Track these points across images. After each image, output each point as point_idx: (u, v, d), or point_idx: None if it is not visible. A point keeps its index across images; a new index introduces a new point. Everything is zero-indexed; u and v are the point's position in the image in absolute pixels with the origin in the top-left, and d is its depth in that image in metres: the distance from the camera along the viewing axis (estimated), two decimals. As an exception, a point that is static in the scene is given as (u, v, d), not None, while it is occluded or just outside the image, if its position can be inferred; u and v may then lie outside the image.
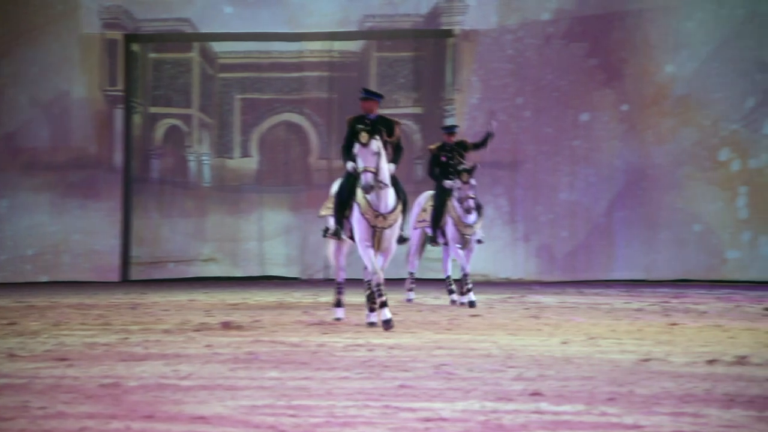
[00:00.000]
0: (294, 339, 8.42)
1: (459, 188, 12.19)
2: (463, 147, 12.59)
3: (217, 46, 19.34)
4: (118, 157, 19.01)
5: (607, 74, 18.22)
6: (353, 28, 18.96)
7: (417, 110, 18.72)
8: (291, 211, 19.08)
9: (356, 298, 13.32)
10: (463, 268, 12.41)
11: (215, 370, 6.58)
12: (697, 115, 17.95)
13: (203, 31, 19.15)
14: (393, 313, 9.69)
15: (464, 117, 17.89)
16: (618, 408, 5.27)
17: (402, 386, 5.92)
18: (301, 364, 6.89)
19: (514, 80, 18.43)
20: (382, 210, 9.18)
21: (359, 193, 9.20)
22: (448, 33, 18.76)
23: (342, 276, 10.28)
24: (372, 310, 9.50)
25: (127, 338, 8.53)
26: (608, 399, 5.51)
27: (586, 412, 5.18)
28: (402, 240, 9.57)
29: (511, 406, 5.30)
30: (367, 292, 9.83)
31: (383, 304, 9.19)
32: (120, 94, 19.05)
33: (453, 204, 12.34)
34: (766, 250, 17.61)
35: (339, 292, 10.24)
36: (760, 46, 17.73)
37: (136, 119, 19.33)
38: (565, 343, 8.14)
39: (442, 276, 13.46)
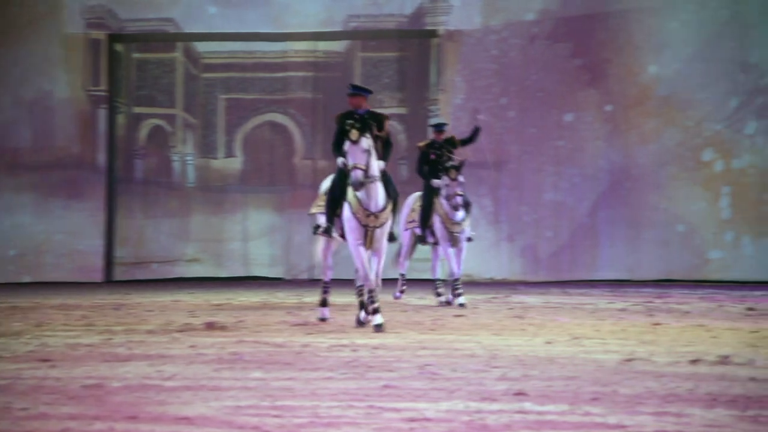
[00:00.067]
0: (278, 339, 8.41)
1: (447, 185, 12.18)
2: (452, 144, 12.58)
3: (201, 46, 19.30)
4: (102, 158, 18.95)
5: (591, 74, 18.26)
6: (337, 28, 18.95)
7: (401, 110, 18.73)
8: (275, 211, 19.06)
9: (341, 298, 13.31)
10: (452, 271, 12.40)
11: (199, 371, 6.57)
12: (681, 116, 18.01)
13: (187, 31, 19.11)
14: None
15: (449, 117, 17.88)
16: (602, 408, 5.28)
17: (386, 386, 5.92)
18: (285, 364, 6.89)
19: (499, 80, 18.46)
20: (373, 209, 9.12)
21: (350, 191, 9.14)
22: (433, 33, 18.78)
23: (329, 275, 10.23)
24: (375, 311, 9.39)
25: (110, 339, 8.51)
26: (592, 399, 5.52)
27: (569, 412, 5.19)
28: (392, 238, 9.53)
29: (495, 406, 5.31)
30: (359, 298, 9.80)
31: (375, 311, 9.18)
32: (103, 94, 18.99)
33: (441, 202, 12.33)
34: (748, 250, 17.69)
35: (325, 292, 10.19)
36: (743, 46, 17.80)
37: (120, 119, 19.27)
38: (549, 343, 8.15)
39: (428, 276, 13.45)
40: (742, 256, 17.66)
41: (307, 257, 18.84)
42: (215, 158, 19.25)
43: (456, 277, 12.35)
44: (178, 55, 19.33)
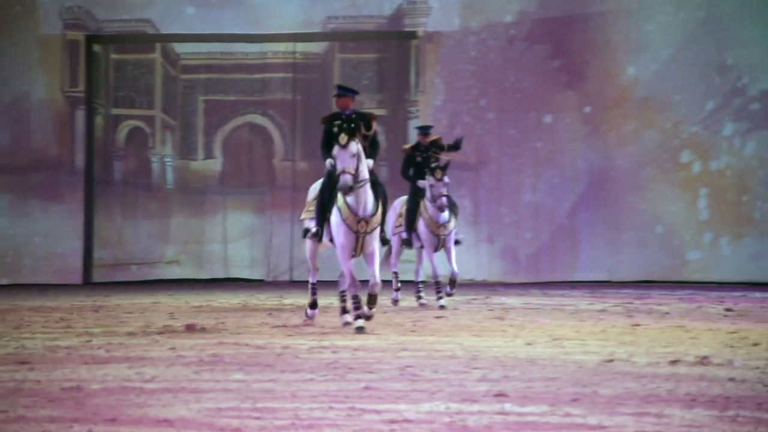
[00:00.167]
0: (259, 341, 8.40)
1: (432, 185, 12.17)
2: (438, 147, 12.57)
3: (180, 48, 19.24)
4: (80, 159, 18.86)
5: (570, 76, 18.31)
6: (316, 30, 18.93)
7: (381, 112, 18.73)
8: (255, 212, 19.02)
9: (321, 300, 13.29)
10: (434, 273, 12.42)
11: (179, 373, 6.55)
12: (659, 117, 18.09)
13: (165, 32, 19.04)
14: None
15: (428, 118, 17.90)
16: (582, 408, 5.29)
17: (367, 388, 5.92)
18: (265, 366, 6.87)
19: (478, 82, 18.49)
20: (362, 214, 9.05)
21: (340, 196, 9.07)
22: (412, 35, 18.79)
23: (316, 277, 10.10)
24: (358, 317, 9.35)
25: (89, 341, 8.47)
26: (572, 400, 5.53)
27: (550, 412, 5.21)
28: (384, 242, 9.47)
29: (475, 407, 5.31)
30: (341, 304, 9.84)
31: (358, 317, 9.17)
32: (81, 95, 18.91)
33: (426, 205, 12.32)
34: (726, 251, 17.78)
35: (314, 293, 10.04)
36: (719, 48, 17.89)
37: (98, 120, 19.19)
38: (529, 344, 8.17)
39: (410, 278, 13.43)
40: (721, 257, 17.75)
41: (286, 259, 18.82)
42: (194, 160, 19.20)
43: (438, 279, 12.38)
44: (156, 56, 19.27)
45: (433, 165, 12.23)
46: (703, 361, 7.00)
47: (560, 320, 10.46)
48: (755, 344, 8.12)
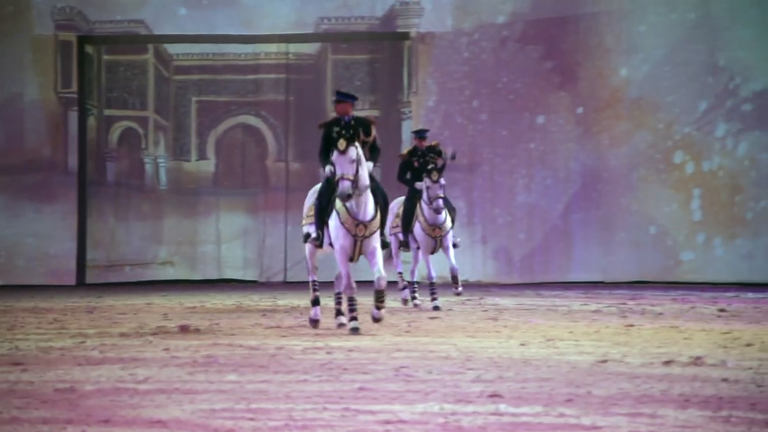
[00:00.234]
0: (252, 342, 8.39)
1: (428, 187, 12.18)
2: (435, 152, 12.52)
3: (172, 48, 19.22)
4: (73, 160, 18.83)
5: (562, 77, 18.33)
6: (309, 31, 18.92)
7: (374, 113, 18.71)
8: (248, 213, 19.01)
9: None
10: (428, 275, 12.43)
11: (173, 374, 6.54)
12: (651, 118, 18.11)
13: (158, 33, 19.01)
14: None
15: (421, 119, 17.91)
16: (576, 409, 5.30)
17: (361, 389, 5.92)
18: (259, 367, 6.87)
19: (470, 83, 18.49)
20: (361, 218, 8.99)
21: (338, 201, 9.00)
22: (404, 36, 18.79)
23: (316, 275, 9.94)
24: (353, 318, 9.31)
25: (83, 342, 8.46)
26: (566, 400, 5.54)
27: (544, 413, 5.21)
28: (384, 245, 9.37)
29: (470, 408, 5.32)
30: (336, 306, 9.80)
31: (353, 318, 9.16)
32: (74, 96, 18.88)
33: (422, 207, 12.33)
34: (719, 252, 17.81)
35: (315, 290, 9.84)
36: (712, 49, 17.93)
37: (91, 121, 19.17)
38: (523, 344, 8.18)
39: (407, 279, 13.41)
40: (714, 258, 17.78)
41: (279, 260, 18.81)
42: (188, 161, 19.18)
43: (432, 280, 12.41)
44: (149, 57, 19.25)
45: (429, 167, 12.24)
46: (697, 361, 7.01)
47: (554, 321, 10.47)
48: (748, 345, 8.14)
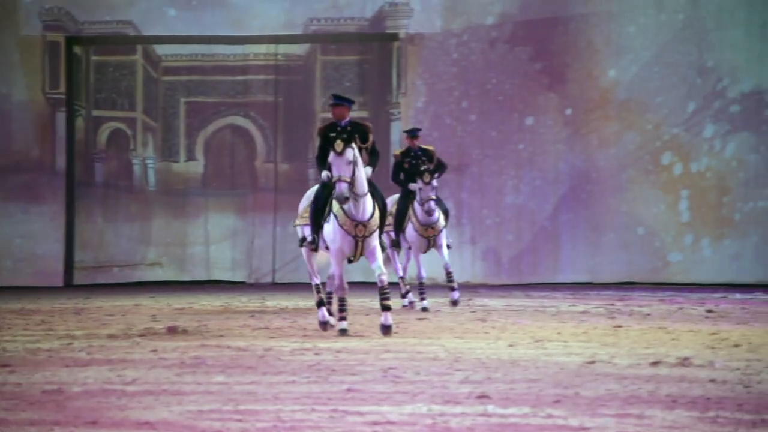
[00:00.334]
0: (241, 343, 8.39)
1: (420, 188, 12.18)
2: (428, 156, 12.47)
3: (161, 49, 19.19)
4: (61, 161, 18.78)
5: (551, 78, 18.35)
6: (298, 32, 18.90)
7: (363, 114, 18.71)
8: (237, 214, 18.98)
9: (303, 301, 13.29)
10: (418, 275, 12.44)
11: (161, 375, 6.53)
12: (640, 119, 18.14)
13: (146, 33, 18.97)
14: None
15: (410, 120, 17.91)
16: (564, 410, 5.31)
17: (349, 390, 5.92)
18: (247, 368, 6.87)
19: (459, 84, 18.50)
20: (360, 218, 8.96)
21: (335, 203, 8.95)
22: (393, 37, 18.79)
23: (318, 278, 9.89)
24: (342, 318, 9.31)
25: (70, 344, 8.44)
26: (554, 401, 5.55)
27: (532, 414, 5.22)
28: (383, 247, 9.35)
29: (458, 409, 5.32)
30: (327, 306, 9.78)
31: (343, 318, 9.15)
32: (62, 96, 18.83)
33: (414, 207, 12.32)
34: (707, 253, 17.85)
35: (318, 291, 9.78)
36: (700, 50, 17.97)
37: (79, 122, 19.12)
38: (511, 346, 8.19)
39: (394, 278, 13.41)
40: (702, 259, 17.82)
41: (268, 261, 18.79)
42: (176, 162, 19.15)
43: (422, 280, 12.43)
44: (137, 57, 19.21)
45: (422, 168, 12.21)
46: (684, 362, 7.03)
47: (542, 322, 10.49)
48: (736, 345, 8.16)
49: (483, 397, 5.66)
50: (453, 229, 17.91)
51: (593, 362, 7.08)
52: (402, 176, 12.56)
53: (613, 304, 12.98)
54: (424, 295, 12.33)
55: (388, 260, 12.63)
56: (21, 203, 18.62)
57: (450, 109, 18.50)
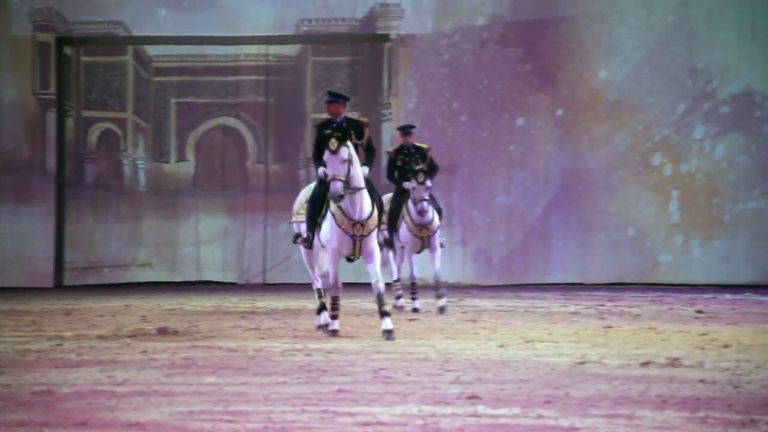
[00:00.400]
0: (231, 344, 8.38)
1: (414, 188, 12.07)
2: (422, 154, 12.39)
3: (152, 50, 19.16)
4: (51, 162, 18.74)
5: (542, 79, 18.38)
6: (289, 32, 18.89)
7: (354, 115, 18.71)
8: (228, 215, 18.97)
9: (294, 302, 13.29)
10: (411, 275, 12.39)
11: (151, 376, 6.52)
12: (630, 120, 18.18)
13: (137, 34, 18.95)
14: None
15: (401, 121, 17.89)
16: (554, 410, 5.31)
17: (340, 391, 5.91)
18: (238, 369, 6.86)
19: (450, 85, 18.52)
20: (358, 217, 8.89)
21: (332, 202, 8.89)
22: (384, 37, 18.79)
23: (319, 283, 9.83)
24: (334, 317, 9.29)
25: (60, 345, 8.42)
26: (544, 402, 5.55)
27: (522, 414, 5.22)
28: (380, 245, 9.26)
29: (448, 410, 5.32)
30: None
31: (334, 317, 9.14)
32: (52, 97, 18.79)
33: (408, 207, 12.23)
34: (697, 254, 17.89)
35: (320, 296, 9.75)
36: (690, 52, 18.01)
37: (69, 123, 19.09)
38: (502, 346, 8.19)
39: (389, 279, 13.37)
40: (691, 260, 17.86)
41: (259, 261, 18.78)
42: (167, 162, 19.13)
43: (414, 281, 12.40)
44: (128, 58, 19.19)
45: (416, 168, 12.11)
46: (674, 362, 7.04)
47: (533, 322, 10.50)
48: (725, 346, 8.18)
49: (473, 397, 5.66)
50: (444, 229, 17.84)
51: (584, 363, 7.09)
52: (396, 174, 12.45)
53: (603, 305, 13.00)
54: (416, 296, 12.32)
55: (385, 263, 12.59)
56: (11, 204, 18.58)
57: (441, 110, 18.51)
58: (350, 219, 8.89)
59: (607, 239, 18.03)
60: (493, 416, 5.17)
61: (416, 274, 12.48)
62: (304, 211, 9.54)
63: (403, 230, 12.28)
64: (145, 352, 7.84)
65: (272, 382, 6.25)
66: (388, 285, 11.51)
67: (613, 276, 17.89)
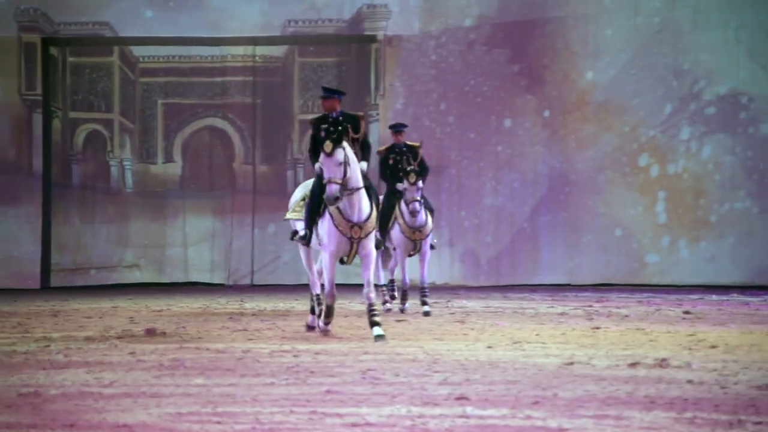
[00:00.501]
0: (219, 345, 8.37)
1: (406, 189, 12.01)
2: (413, 154, 12.32)
3: (138, 51, 19.12)
4: (38, 163, 18.68)
5: (529, 80, 18.40)
6: (276, 33, 18.88)
7: (341, 115, 18.72)
8: (215, 216, 18.94)
9: (283, 303, 13.28)
10: (403, 279, 12.33)
11: (139, 378, 6.51)
12: (617, 121, 18.22)
13: (123, 35, 18.91)
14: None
15: (389, 122, 17.88)
16: (542, 411, 5.32)
17: (328, 392, 5.91)
18: (226, 370, 6.85)
19: (438, 86, 18.53)
20: (356, 219, 8.76)
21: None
22: (372, 38, 18.80)
23: (318, 288, 9.69)
24: (327, 323, 9.21)
25: (47, 346, 8.39)
26: (533, 402, 5.56)
27: (510, 415, 5.23)
28: (377, 245, 9.15)
29: (437, 411, 5.33)
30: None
31: (327, 323, 9.13)
32: (38, 98, 18.74)
33: (401, 208, 12.15)
34: (684, 254, 17.94)
35: (319, 303, 9.60)
36: (676, 53, 18.06)
37: (56, 124, 19.03)
38: (490, 347, 8.20)
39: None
40: (679, 260, 17.91)
41: (246, 263, 18.75)
42: (154, 163, 19.09)
43: (406, 288, 12.33)
44: (114, 59, 19.14)
45: (408, 168, 12.04)
46: (662, 363, 7.06)
47: (521, 323, 10.51)
48: (713, 346, 8.20)
49: (462, 398, 5.66)
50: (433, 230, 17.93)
51: (571, 363, 7.10)
52: (388, 173, 12.33)
53: (591, 306, 13.02)
54: (406, 301, 12.31)
55: (383, 263, 12.56)
56: (-3, 205, 18.51)
57: (428, 110, 18.52)
58: (348, 221, 8.76)
59: (595, 240, 18.07)
60: (481, 417, 5.18)
61: (408, 280, 12.36)
62: (300, 209, 9.43)
63: (396, 232, 12.18)
64: (132, 353, 7.82)
65: (260, 384, 6.24)
66: (377, 287, 11.52)
67: (600, 277, 17.92)
